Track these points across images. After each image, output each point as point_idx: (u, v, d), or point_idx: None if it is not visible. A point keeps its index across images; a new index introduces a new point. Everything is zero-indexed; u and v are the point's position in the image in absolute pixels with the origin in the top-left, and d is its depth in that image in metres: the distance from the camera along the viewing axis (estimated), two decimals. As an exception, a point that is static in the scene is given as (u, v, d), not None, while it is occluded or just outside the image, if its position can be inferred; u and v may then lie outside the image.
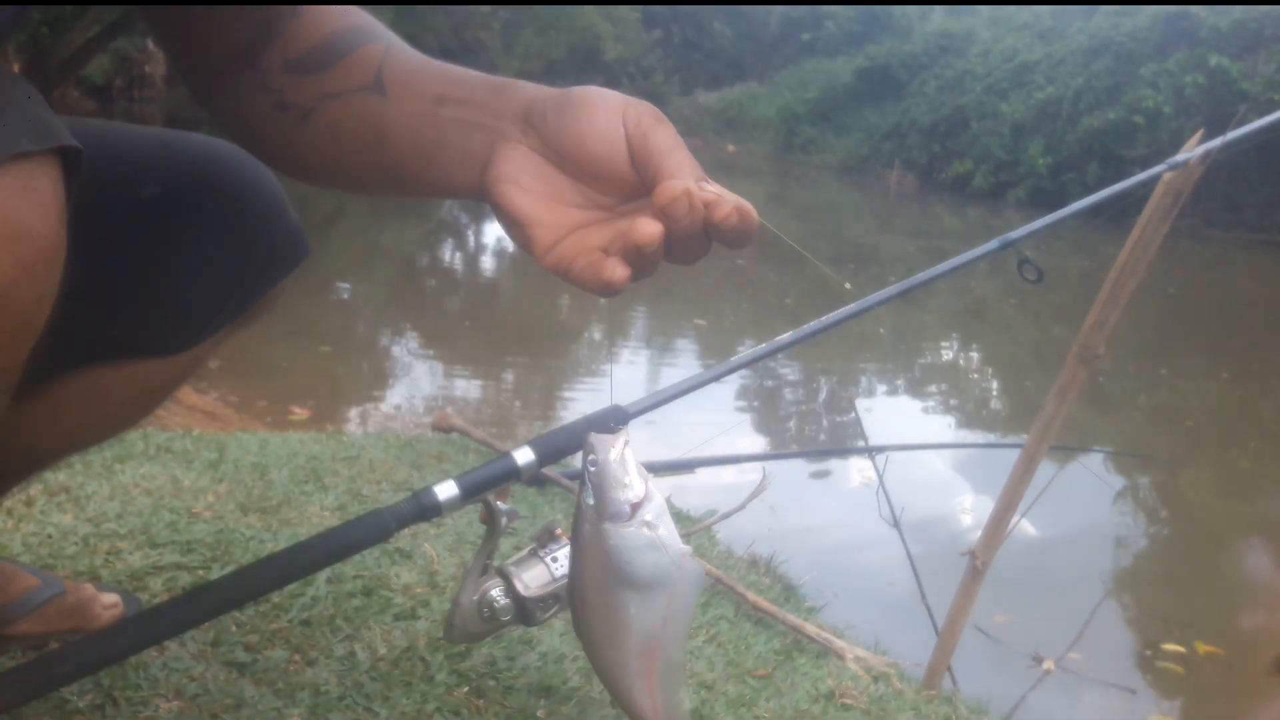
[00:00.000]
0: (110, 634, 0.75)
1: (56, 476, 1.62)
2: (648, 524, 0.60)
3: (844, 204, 16.06)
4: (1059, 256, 8.19)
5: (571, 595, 0.62)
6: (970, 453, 4.19)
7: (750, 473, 3.01)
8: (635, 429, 0.74)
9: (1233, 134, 1.50)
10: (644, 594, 0.60)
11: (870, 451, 2.90)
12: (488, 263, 9.10)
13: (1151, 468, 4.27)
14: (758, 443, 4.24)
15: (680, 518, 2.31)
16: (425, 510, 0.63)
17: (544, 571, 0.66)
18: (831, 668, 1.55)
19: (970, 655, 2.13)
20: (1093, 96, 15.07)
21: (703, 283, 7.69)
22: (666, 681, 0.63)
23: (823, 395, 5.41)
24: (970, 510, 3.53)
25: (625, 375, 5.23)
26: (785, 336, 0.92)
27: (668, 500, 2.39)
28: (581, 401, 4.57)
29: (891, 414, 5.00)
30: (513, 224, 0.62)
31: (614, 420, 0.71)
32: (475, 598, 0.65)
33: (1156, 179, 1.55)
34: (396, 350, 5.69)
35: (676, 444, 2.94)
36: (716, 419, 3.79)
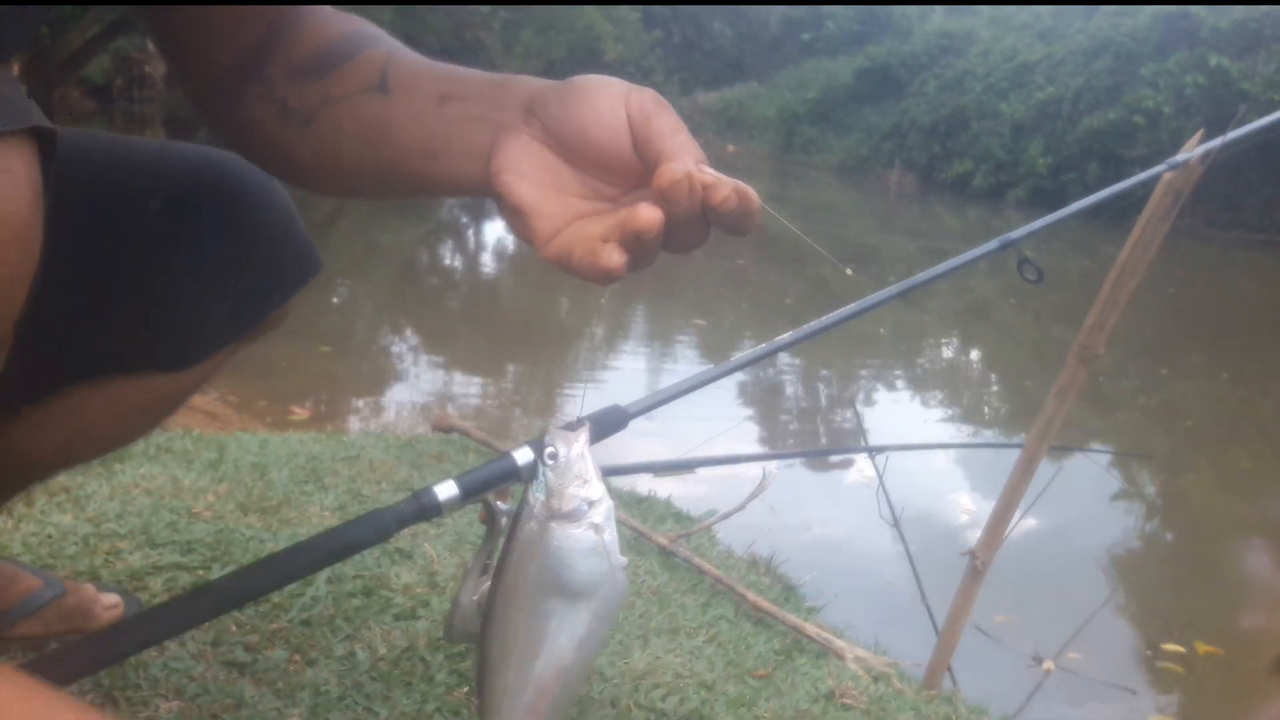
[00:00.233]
0: (110, 634, 0.75)
1: (57, 476, 1.62)
2: (596, 526, 0.58)
3: (844, 204, 16.06)
4: (1059, 256, 8.19)
5: (490, 602, 0.58)
6: (970, 453, 4.19)
7: (750, 473, 3.01)
8: (636, 429, 0.74)
9: (1233, 134, 1.50)
10: (570, 605, 0.57)
11: (870, 451, 2.89)
12: (488, 263, 9.10)
13: (1151, 468, 4.27)
14: (758, 443, 4.24)
15: (680, 518, 2.31)
16: (425, 510, 0.63)
17: (544, 571, 0.65)
18: (831, 668, 1.55)
19: (970, 655, 2.13)
20: (1093, 96, 15.07)
21: (703, 283, 7.69)
22: None
23: (823, 395, 5.41)
24: (970, 510, 3.53)
25: (625, 375, 5.23)
26: (785, 336, 0.92)
27: (668, 500, 2.39)
28: (582, 401, 4.57)
29: (891, 414, 5.00)
30: (514, 214, 0.61)
31: (614, 420, 0.71)
32: (475, 598, 0.65)
33: (1156, 179, 1.55)
34: (396, 350, 5.69)
35: (676, 444, 2.94)
36: (716, 419, 3.79)
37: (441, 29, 26.22)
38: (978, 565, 1.75)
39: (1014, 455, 1.77)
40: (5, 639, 1.06)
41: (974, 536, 1.82)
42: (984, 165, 16.22)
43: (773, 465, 3.62)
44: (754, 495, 2.02)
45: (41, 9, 0.65)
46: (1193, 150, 1.54)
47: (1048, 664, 2.51)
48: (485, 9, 25.50)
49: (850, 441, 4.27)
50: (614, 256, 0.57)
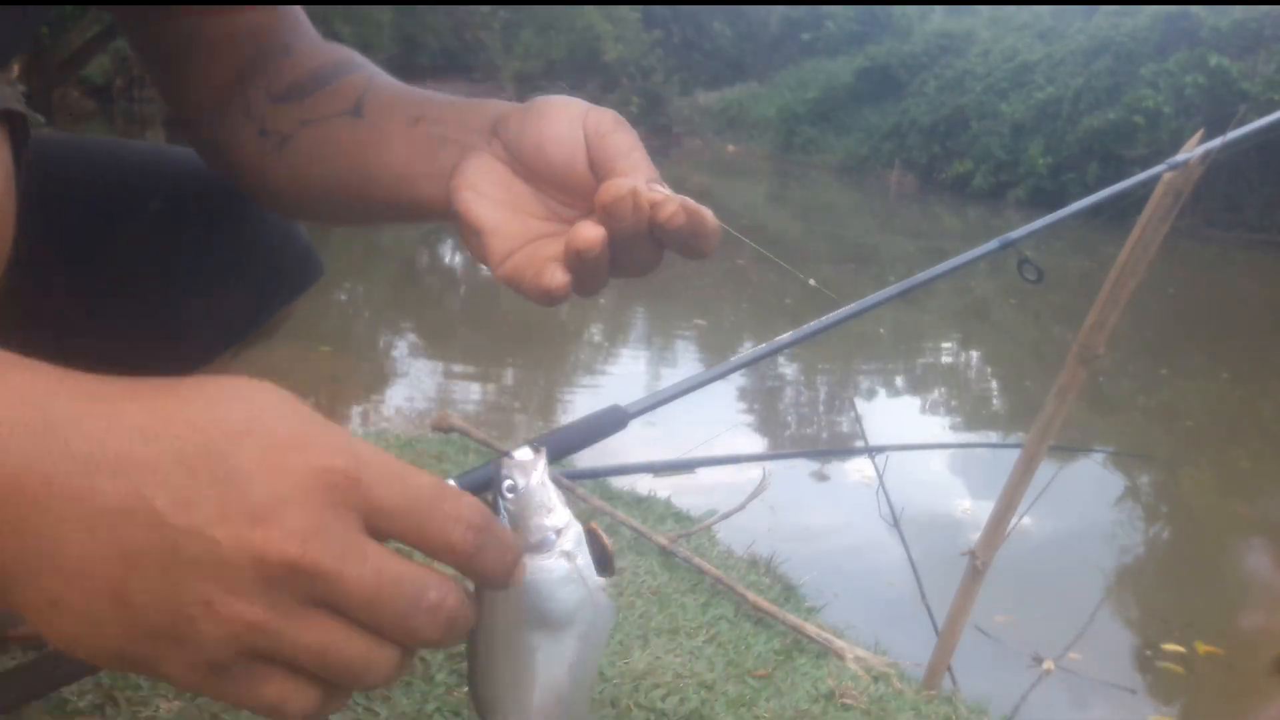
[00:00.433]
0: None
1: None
2: (567, 554, 0.54)
3: (844, 204, 16.07)
4: (1059, 256, 8.19)
5: (470, 650, 0.54)
6: (970, 453, 4.20)
7: (750, 473, 3.02)
8: (636, 429, 0.74)
9: (1233, 134, 1.50)
10: (554, 635, 0.54)
11: (870, 451, 2.90)
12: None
13: (1151, 468, 4.27)
14: (758, 443, 4.24)
15: (680, 518, 2.31)
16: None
17: (544, 571, 0.65)
18: (831, 668, 1.55)
19: (970, 655, 2.13)
20: (1093, 96, 15.08)
21: (703, 283, 7.69)
22: None
23: (823, 395, 5.41)
24: (970, 510, 3.53)
25: (625, 375, 5.23)
26: (785, 336, 0.92)
27: (668, 500, 2.39)
28: (581, 401, 4.57)
29: (891, 414, 5.00)
30: (470, 232, 0.60)
31: (614, 420, 0.71)
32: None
33: (1156, 179, 1.55)
34: (396, 350, 5.69)
35: (676, 444, 2.94)
36: (716, 419, 3.79)
37: (441, 29, 26.24)
38: (978, 565, 1.75)
39: (1014, 455, 1.77)
40: (5, 639, 1.06)
41: (974, 536, 1.82)
42: (984, 165, 16.23)
43: (772, 465, 3.62)
44: (754, 495, 2.02)
45: (40, 9, 0.65)
46: (1193, 150, 1.54)
47: (1048, 664, 2.51)
48: (485, 9, 25.51)
49: (850, 441, 4.27)
50: (555, 276, 0.56)
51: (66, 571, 0.39)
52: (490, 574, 0.46)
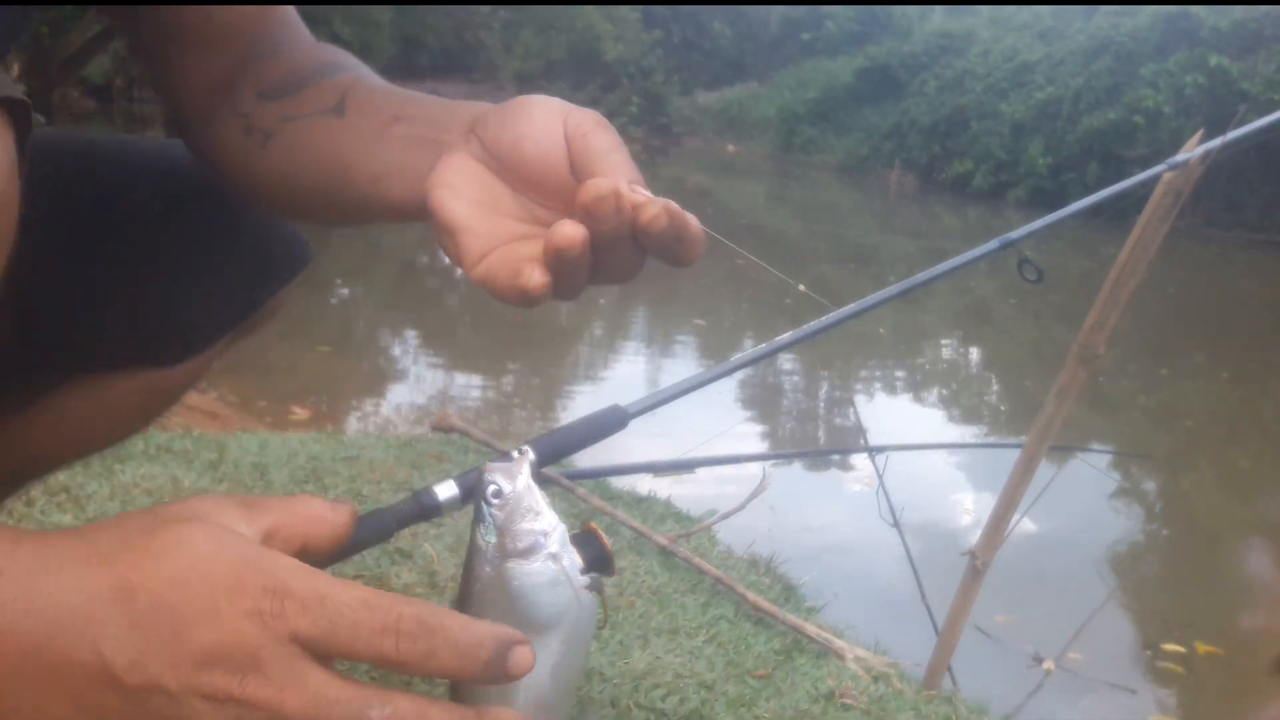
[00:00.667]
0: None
1: (56, 476, 1.62)
2: (553, 556, 0.55)
3: (844, 204, 16.07)
4: (1059, 256, 8.19)
5: None
6: (970, 453, 4.20)
7: (750, 473, 3.02)
8: (636, 429, 0.74)
9: (1233, 134, 1.50)
10: (540, 638, 0.53)
11: (870, 451, 2.89)
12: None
13: (1151, 468, 4.27)
14: (758, 443, 4.24)
15: (680, 518, 2.31)
16: (425, 510, 0.63)
17: (544, 571, 0.65)
18: (831, 668, 1.55)
19: (970, 655, 2.13)
20: (1093, 96, 15.08)
21: (703, 283, 7.69)
22: None
23: (823, 395, 5.41)
24: (970, 510, 3.53)
25: (625, 375, 5.23)
26: (785, 336, 0.92)
27: (668, 500, 2.39)
28: (582, 401, 4.57)
29: (891, 414, 5.00)
30: (445, 231, 0.59)
31: (614, 420, 0.71)
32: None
33: (1156, 179, 1.55)
34: (396, 350, 5.69)
35: (676, 444, 2.94)
36: (716, 419, 3.79)
37: (441, 29, 26.25)
38: (978, 565, 1.75)
39: (1014, 455, 1.77)
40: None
41: (974, 536, 1.82)
42: (984, 165, 16.23)
43: (772, 465, 3.62)
44: (754, 495, 2.02)
45: (36, 8, 0.65)
46: (1193, 150, 1.54)
47: (1048, 664, 2.51)
48: (485, 9, 25.52)
49: (850, 441, 4.27)
50: (534, 276, 0.54)
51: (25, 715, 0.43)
52: (457, 675, 0.47)
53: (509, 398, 4.78)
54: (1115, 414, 5.26)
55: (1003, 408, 5.59)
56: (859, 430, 3.74)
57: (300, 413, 3.81)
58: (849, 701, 1.43)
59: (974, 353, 6.87)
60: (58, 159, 0.82)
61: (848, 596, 2.49)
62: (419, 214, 0.62)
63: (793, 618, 1.70)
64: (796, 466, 3.89)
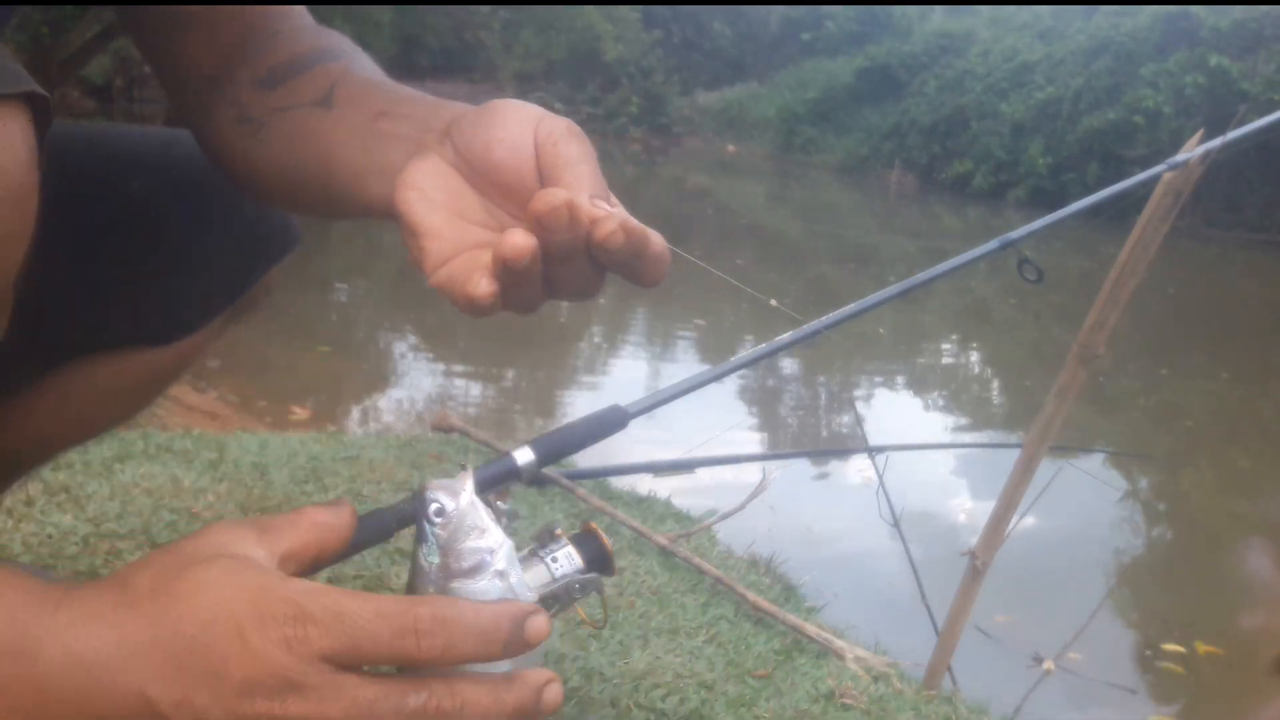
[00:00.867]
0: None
1: (56, 476, 1.62)
2: (500, 573, 0.53)
3: (844, 204, 16.07)
4: (1059, 256, 8.19)
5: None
6: (970, 453, 4.20)
7: (750, 473, 3.02)
8: (636, 429, 0.74)
9: (1233, 134, 1.50)
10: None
11: (870, 451, 2.89)
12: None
13: (1151, 468, 4.27)
14: (758, 443, 4.24)
15: (680, 518, 2.31)
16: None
17: (544, 571, 0.65)
18: (831, 668, 1.55)
19: (970, 655, 2.13)
20: (1093, 96, 15.09)
21: (703, 283, 7.69)
22: None
23: (823, 395, 5.41)
24: (970, 510, 3.53)
25: (625, 375, 5.23)
26: (785, 336, 0.92)
27: (668, 500, 2.39)
28: (581, 401, 4.57)
29: (891, 414, 5.00)
30: (409, 234, 0.58)
31: (614, 420, 0.71)
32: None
33: (1156, 179, 1.55)
34: (396, 350, 5.69)
35: (676, 444, 2.94)
36: (716, 419, 3.79)
37: (441, 29, 26.26)
38: (978, 565, 1.75)
39: (1014, 455, 1.77)
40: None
41: (974, 536, 1.82)
42: (984, 165, 16.24)
43: (773, 465, 3.62)
44: (754, 495, 2.02)
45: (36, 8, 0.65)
46: (1193, 150, 1.54)
47: (1048, 664, 2.51)
48: (485, 9, 25.53)
49: (850, 441, 4.27)
50: (481, 285, 0.53)
51: None
52: (482, 659, 0.50)
53: (509, 398, 4.78)
54: (1115, 414, 5.26)
55: (1003, 408, 5.59)
56: (859, 430, 3.74)
57: (300, 413, 3.81)
58: (849, 701, 1.43)
59: (974, 353, 6.87)
60: (55, 146, 0.83)
61: (848, 596, 2.49)
62: (390, 213, 0.62)
63: (793, 618, 1.70)
64: (796, 466, 3.89)
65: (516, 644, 0.50)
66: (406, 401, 4.44)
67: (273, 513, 1.62)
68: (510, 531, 0.66)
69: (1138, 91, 14.32)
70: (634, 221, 0.54)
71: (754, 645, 1.56)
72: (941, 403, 5.44)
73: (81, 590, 0.49)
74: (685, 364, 5.56)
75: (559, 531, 0.70)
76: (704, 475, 3.15)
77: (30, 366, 0.87)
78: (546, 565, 0.67)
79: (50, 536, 1.38)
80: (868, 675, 1.57)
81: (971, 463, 4.04)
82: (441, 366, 5.21)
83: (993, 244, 1.28)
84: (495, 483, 0.63)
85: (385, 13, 20.74)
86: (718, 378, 0.85)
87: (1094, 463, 4.16)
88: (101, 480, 1.64)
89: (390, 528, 0.63)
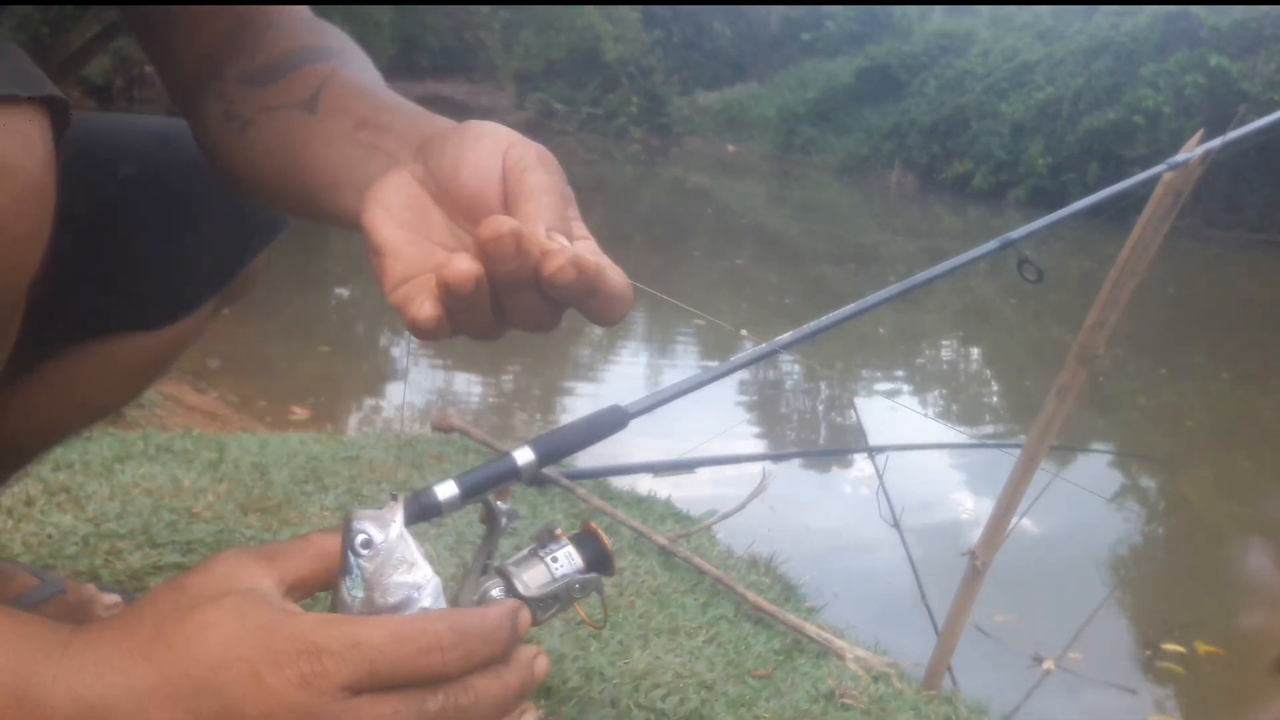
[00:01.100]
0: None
1: (56, 476, 1.62)
2: (426, 611, 0.52)
3: (844, 204, 16.07)
4: (1059, 256, 8.16)
5: None
6: (970, 453, 4.19)
7: (750, 473, 3.02)
8: (636, 429, 0.74)
9: (1233, 134, 1.50)
10: None
11: (870, 451, 2.90)
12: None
13: (1151, 468, 4.27)
14: (758, 443, 4.24)
15: (680, 518, 2.31)
16: (425, 510, 0.63)
17: (544, 571, 0.65)
18: (831, 668, 1.55)
19: (970, 655, 2.13)
20: (1093, 96, 15.08)
21: (703, 283, 7.69)
22: None
23: (823, 395, 5.41)
24: (970, 510, 3.53)
25: (625, 375, 5.23)
26: (785, 336, 0.92)
27: (668, 500, 2.39)
28: (582, 401, 4.57)
29: (891, 414, 5.00)
30: (371, 251, 0.57)
31: (614, 420, 0.71)
32: (475, 598, 0.64)
33: (1156, 179, 1.55)
34: (396, 350, 5.69)
35: (676, 444, 2.94)
36: (716, 419, 3.79)
37: (441, 29, 26.25)
38: (978, 565, 1.75)
39: (1014, 455, 1.77)
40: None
41: (974, 536, 1.82)
42: (984, 165, 16.23)
43: (773, 465, 3.62)
44: (754, 495, 2.02)
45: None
46: (1193, 150, 1.54)
47: (1048, 664, 2.51)
48: (485, 9, 25.52)
49: (850, 441, 4.27)
50: (424, 307, 0.52)
51: None
52: (490, 662, 0.51)
53: (509, 398, 4.78)
54: (1115, 414, 5.26)
55: (1003, 408, 5.59)
56: (859, 430, 3.74)
57: (300, 413, 3.81)
58: (849, 701, 1.43)
59: (974, 353, 6.87)
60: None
61: (848, 596, 2.49)
62: (359, 228, 0.61)
63: (793, 618, 1.70)
64: (796, 466, 3.89)
65: (515, 640, 0.52)
66: (407, 402, 4.44)
67: (273, 513, 1.62)
68: (510, 531, 0.66)
69: (1138, 91, 14.32)
70: (589, 259, 0.52)
71: (754, 645, 1.56)
72: (942, 403, 5.44)
73: (88, 633, 0.49)
74: (685, 364, 5.56)
75: (559, 531, 0.70)
76: (704, 475, 3.15)
77: (28, 353, 0.88)
78: (546, 565, 0.67)
79: (50, 536, 1.38)
80: (868, 675, 1.57)
81: (971, 463, 4.04)
82: (441, 366, 5.21)
83: (993, 244, 1.28)
84: (495, 482, 0.63)
85: (385, 13, 20.73)
86: (718, 378, 0.85)
87: (1094, 463, 4.16)
88: (101, 480, 1.64)
89: (390, 527, 0.63)
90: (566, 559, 0.66)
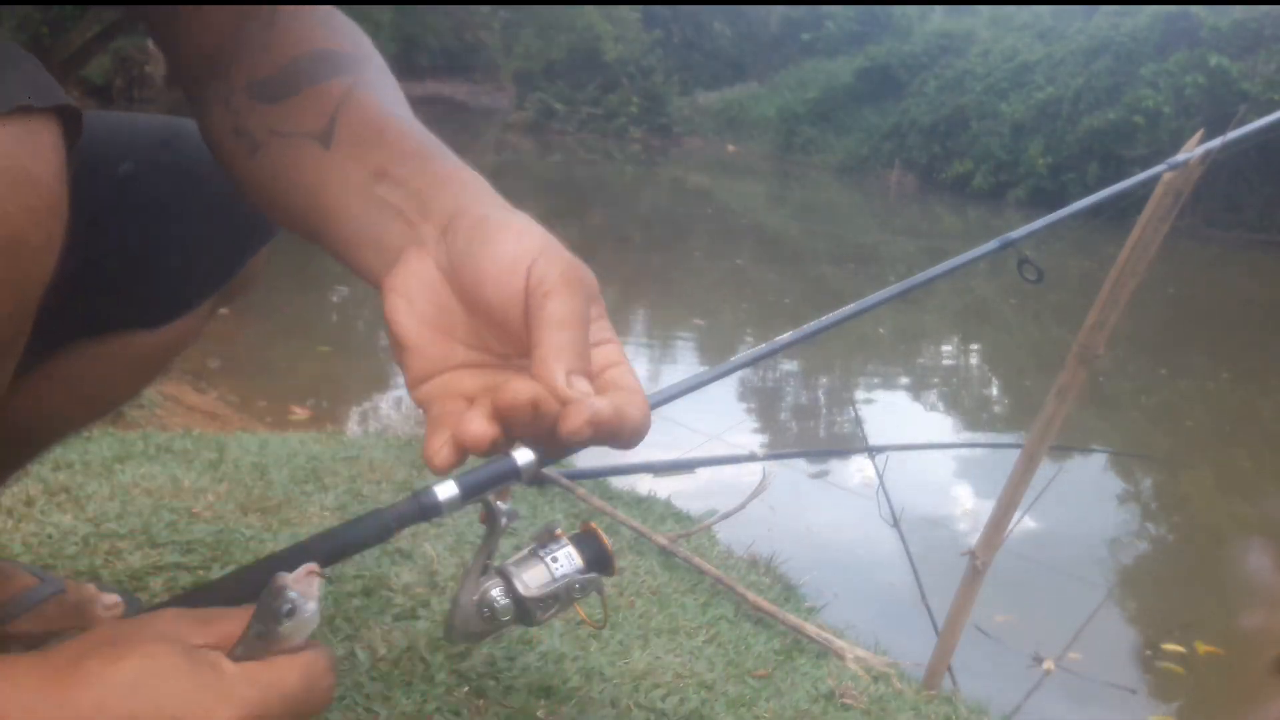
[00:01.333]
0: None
1: (56, 476, 1.62)
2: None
3: (844, 204, 16.07)
4: (1059, 256, 8.17)
5: None
6: (970, 453, 4.20)
7: (750, 473, 3.02)
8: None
9: (1233, 134, 1.50)
10: None
11: (870, 451, 2.90)
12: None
13: (1151, 468, 4.27)
14: (758, 442, 4.24)
15: (680, 518, 2.31)
16: (425, 510, 0.63)
17: (544, 571, 0.65)
18: (831, 668, 1.55)
19: (970, 655, 2.13)
20: (1093, 96, 15.08)
21: (702, 283, 7.69)
22: None
23: (823, 395, 5.41)
24: (970, 510, 3.53)
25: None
26: (785, 336, 0.92)
27: (668, 500, 2.39)
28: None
29: (891, 414, 5.00)
30: (393, 344, 0.58)
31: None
32: (475, 598, 0.64)
33: (1156, 179, 1.55)
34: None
35: (676, 444, 2.94)
36: (716, 419, 3.79)
37: (441, 29, 26.27)
38: (978, 565, 1.75)
39: (1014, 455, 1.77)
40: (5, 636, 1.07)
41: (974, 536, 1.82)
42: (984, 165, 16.23)
43: (773, 465, 3.62)
44: (754, 495, 2.02)
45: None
46: (1193, 150, 1.55)
47: (1048, 664, 2.51)
48: (485, 9, 25.52)
49: (850, 441, 4.27)
50: (441, 454, 0.54)
51: None
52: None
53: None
54: (1115, 414, 5.26)
55: (1003, 408, 5.59)
56: (859, 430, 3.74)
57: (300, 413, 3.81)
58: (849, 701, 1.43)
59: (974, 353, 6.87)
60: None
61: (848, 596, 2.49)
62: (382, 305, 0.61)
63: (793, 618, 1.70)
64: (796, 466, 3.89)
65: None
66: (407, 401, 4.44)
67: (273, 513, 1.62)
68: (510, 531, 0.66)
69: (1138, 91, 14.32)
70: (606, 413, 0.52)
71: (754, 645, 1.56)
72: (942, 402, 5.44)
73: (9, 658, 0.50)
74: (685, 364, 5.56)
75: (559, 531, 0.70)
76: (704, 475, 3.15)
77: (27, 352, 0.88)
78: (546, 565, 0.67)
79: (50, 536, 1.38)
80: (868, 675, 1.57)
81: (971, 463, 4.04)
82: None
83: (993, 244, 1.28)
84: (495, 482, 0.63)
85: (385, 13, 20.73)
86: (717, 378, 0.85)
87: (1094, 463, 4.16)
88: (101, 480, 1.64)
89: (390, 528, 0.63)
90: (566, 559, 0.66)
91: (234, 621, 0.53)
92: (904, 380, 5.83)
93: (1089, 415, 4.86)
